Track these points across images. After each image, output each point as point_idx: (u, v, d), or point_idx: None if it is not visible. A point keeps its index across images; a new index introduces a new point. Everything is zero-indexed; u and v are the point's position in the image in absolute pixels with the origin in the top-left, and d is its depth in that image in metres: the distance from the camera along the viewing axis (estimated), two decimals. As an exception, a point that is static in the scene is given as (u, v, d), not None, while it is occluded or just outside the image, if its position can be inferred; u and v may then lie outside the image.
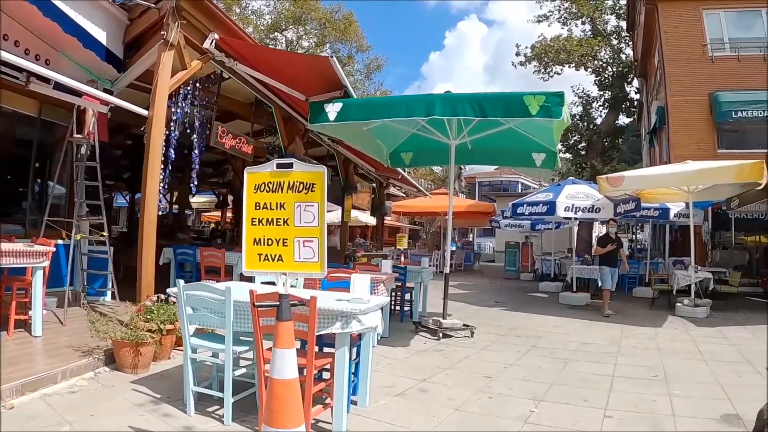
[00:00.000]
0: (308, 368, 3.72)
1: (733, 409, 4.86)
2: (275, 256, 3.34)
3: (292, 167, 3.33)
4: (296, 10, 33.00)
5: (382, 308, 4.29)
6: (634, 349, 7.58)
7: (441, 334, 7.80)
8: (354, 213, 21.32)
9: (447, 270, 8.54)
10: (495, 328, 8.97)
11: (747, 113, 15.21)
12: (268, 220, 3.42)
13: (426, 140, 9.14)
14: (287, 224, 3.37)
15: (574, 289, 12.93)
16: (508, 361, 6.63)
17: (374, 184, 17.70)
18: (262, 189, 3.43)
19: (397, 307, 9.56)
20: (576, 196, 12.24)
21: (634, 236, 25.66)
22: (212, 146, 9.22)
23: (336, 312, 3.83)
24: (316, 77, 7.82)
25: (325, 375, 4.55)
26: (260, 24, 33.65)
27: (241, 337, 4.51)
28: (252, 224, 3.42)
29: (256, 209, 3.44)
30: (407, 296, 9.52)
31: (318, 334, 3.79)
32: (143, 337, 5.42)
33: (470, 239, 33.15)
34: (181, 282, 4.45)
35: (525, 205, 13.00)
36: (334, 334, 3.88)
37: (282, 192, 3.38)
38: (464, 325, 8.21)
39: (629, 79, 25.09)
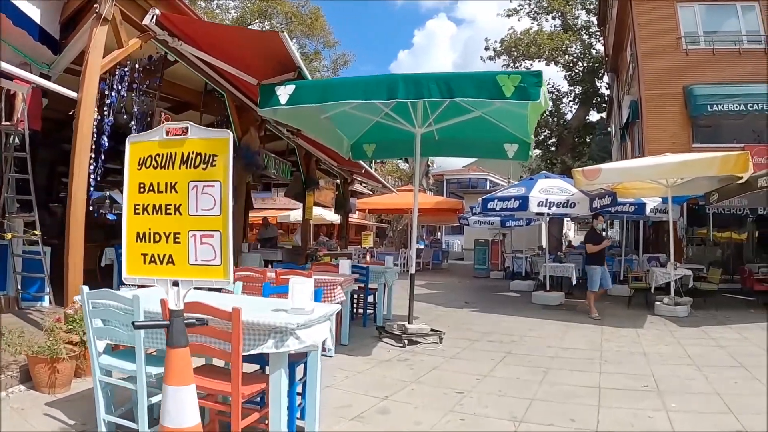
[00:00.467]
0: (233, 399, 2.95)
1: (739, 425, 4.25)
2: (164, 257, 2.42)
3: (186, 133, 2.46)
4: (262, 4, 32.04)
5: (339, 314, 3.51)
6: (618, 354, 6.93)
7: (406, 341, 7.03)
8: (319, 211, 20.53)
9: (413, 270, 7.76)
10: (465, 333, 8.25)
11: (723, 107, 14.86)
12: (155, 207, 2.51)
13: (389, 130, 8.42)
14: (180, 212, 2.47)
15: (548, 288, 12.29)
16: (481, 372, 5.90)
17: (338, 181, 16.85)
18: (147, 164, 2.52)
19: (360, 311, 8.80)
20: (550, 191, 11.60)
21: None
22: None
23: (268, 327, 3.04)
24: (267, 58, 7.07)
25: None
26: (225, 18, 32.56)
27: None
28: (134, 213, 2.52)
29: (140, 192, 2.53)
30: (370, 299, 8.76)
31: (245, 354, 3.00)
32: (58, 352, 4.58)
33: (438, 237, 32.57)
34: (85, 288, 3.62)
35: (496, 201, 12.31)
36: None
37: (173, 168, 2.47)
38: (432, 330, 7.47)
39: (600, 75, 24.77)
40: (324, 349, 3.80)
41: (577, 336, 8.13)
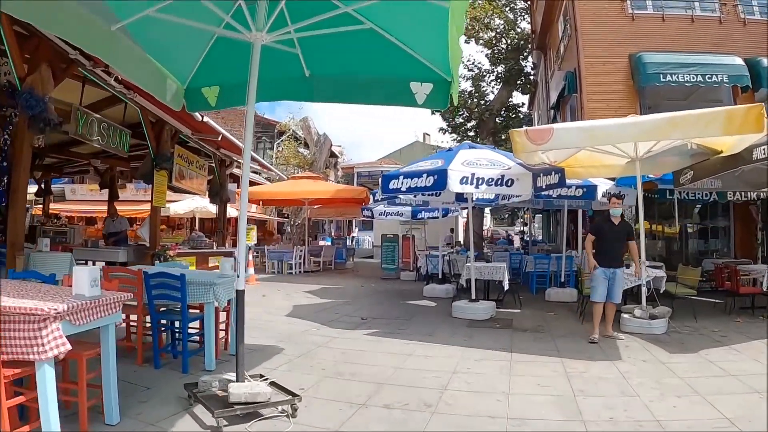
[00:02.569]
0: None
1: None
2: None
3: None
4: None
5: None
6: (614, 425, 3.82)
7: (224, 421, 3.62)
8: (203, 202, 16.76)
9: (241, 285, 4.17)
10: (346, 387, 4.85)
11: (677, 77, 12.59)
12: None
13: (239, 63, 4.69)
14: None
15: (473, 297, 9.14)
16: None
17: (212, 163, 13.07)
18: None
19: (197, 344, 5.35)
20: (476, 163, 8.34)
21: (525, 226, 22.92)
22: None
23: None
24: None
25: None
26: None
27: None
28: None
29: None
30: (197, 325, 5.34)
31: None
32: None
33: (341, 233, 29.43)
34: None
35: (401, 178, 8.74)
36: None
37: None
38: (279, 389, 4.08)
39: (525, 54, 22.23)
40: None
41: (532, 384, 4.97)
